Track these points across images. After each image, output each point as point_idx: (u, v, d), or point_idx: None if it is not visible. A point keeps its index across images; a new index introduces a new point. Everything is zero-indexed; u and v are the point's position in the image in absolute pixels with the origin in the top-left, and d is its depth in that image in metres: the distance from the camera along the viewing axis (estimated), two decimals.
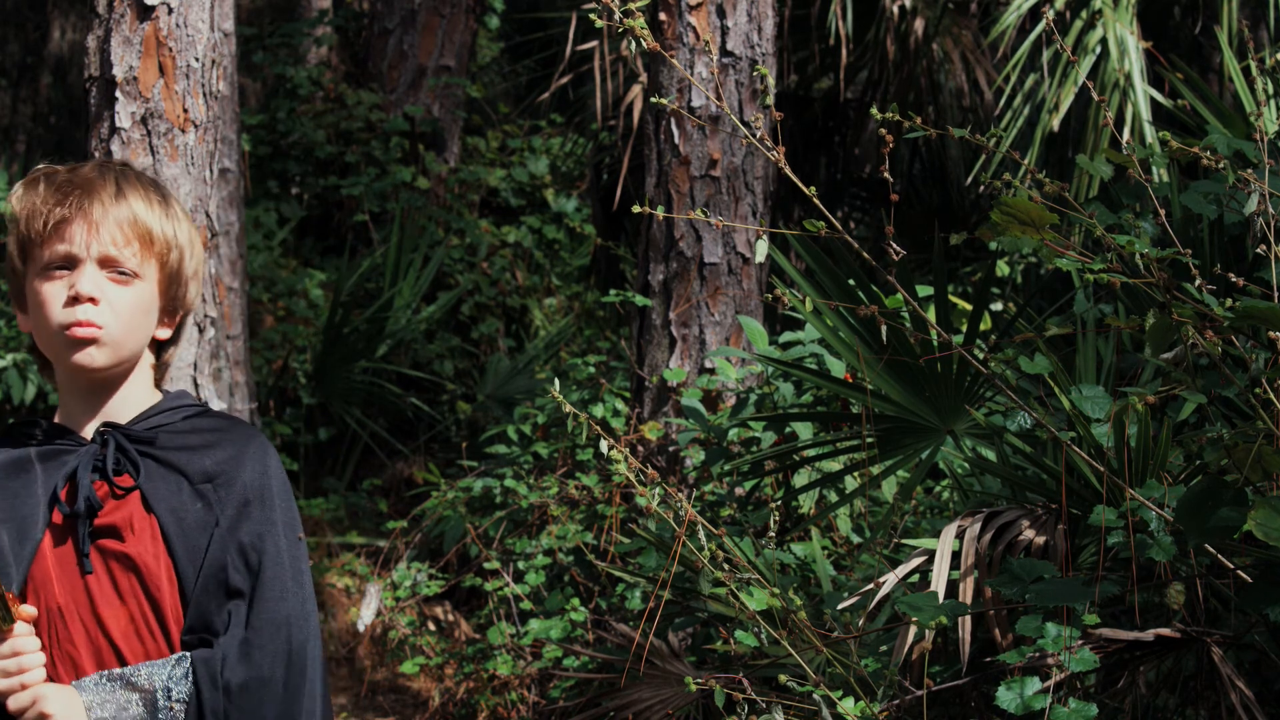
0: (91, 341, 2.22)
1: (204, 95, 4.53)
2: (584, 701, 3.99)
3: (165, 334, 2.34)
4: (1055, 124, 7.28)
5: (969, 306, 6.65)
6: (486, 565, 5.66)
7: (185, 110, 4.49)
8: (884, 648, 3.40)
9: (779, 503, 4.61)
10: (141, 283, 2.26)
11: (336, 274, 8.68)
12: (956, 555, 3.16)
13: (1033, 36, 7.38)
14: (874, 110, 2.76)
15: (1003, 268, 7.15)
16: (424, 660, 5.73)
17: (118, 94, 4.45)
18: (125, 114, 4.45)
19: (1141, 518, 2.73)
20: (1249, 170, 3.03)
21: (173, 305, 2.33)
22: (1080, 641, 2.63)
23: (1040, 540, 3.08)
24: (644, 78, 2.93)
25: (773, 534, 3.89)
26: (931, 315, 3.83)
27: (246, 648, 2.22)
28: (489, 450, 6.70)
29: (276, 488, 2.31)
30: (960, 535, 3.15)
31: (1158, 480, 2.86)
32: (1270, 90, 4.11)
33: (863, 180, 8.95)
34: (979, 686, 3.10)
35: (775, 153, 2.70)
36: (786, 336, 5.11)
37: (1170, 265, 2.86)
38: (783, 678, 2.82)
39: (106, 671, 2.20)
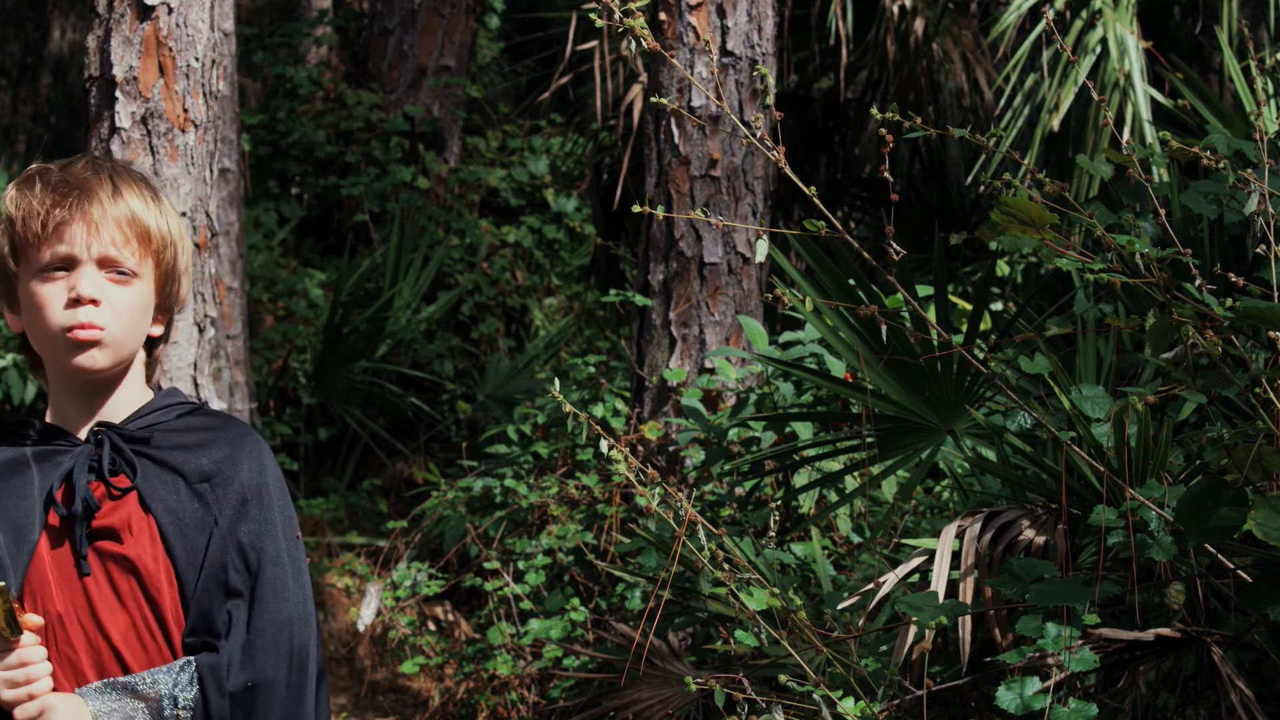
0: (94, 344, 2.20)
1: (204, 95, 4.53)
2: (584, 701, 3.99)
3: (158, 331, 2.33)
4: (1055, 124, 7.28)
5: (969, 306, 6.65)
6: (486, 565, 5.66)
7: (185, 110, 4.49)
8: (884, 648, 3.40)
9: (779, 503, 4.61)
10: (140, 282, 2.25)
11: (336, 274, 8.68)
12: (956, 555, 3.16)
13: (1033, 36, 7.38)
14: (874, 110, 2.76)
15: (1003, 268, 7.15)
16: (424, 660, 5.73)
17: (118, 94, 4.45)
18: (125, 114, 4.45)
19: (1141, 518, 2.73)
20: (1249, 170, 3.03)
21: (166, 302, 2.32)
22: (1080, 641, 2.63)
23: (1040, 540, 3.08)
24: (644, 78, 2.93)
25: (773, 534, 3.89)
26: (931, 315, 3.83)
27: (250, 650, 2.21)
28: (489, 450, 6.70)
29: (273, 486, 2.29)
30: (960, 535, 3.15)
31: (1158, 480, 2.86)
32: (1270, 90, 4.11)
33: (863, 180, 8.95)
34: (979, 686, 3.10)
35: (775, 153, 2.70)
36: (786, 336, 5.11)
37: (1170, 265, 2.86)
38: (783, 678, 2.82)
39: (111, 680, 2.18)
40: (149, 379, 2.35)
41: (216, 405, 4.73)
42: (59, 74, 13.83)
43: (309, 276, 8.69)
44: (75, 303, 2.20)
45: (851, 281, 3.92)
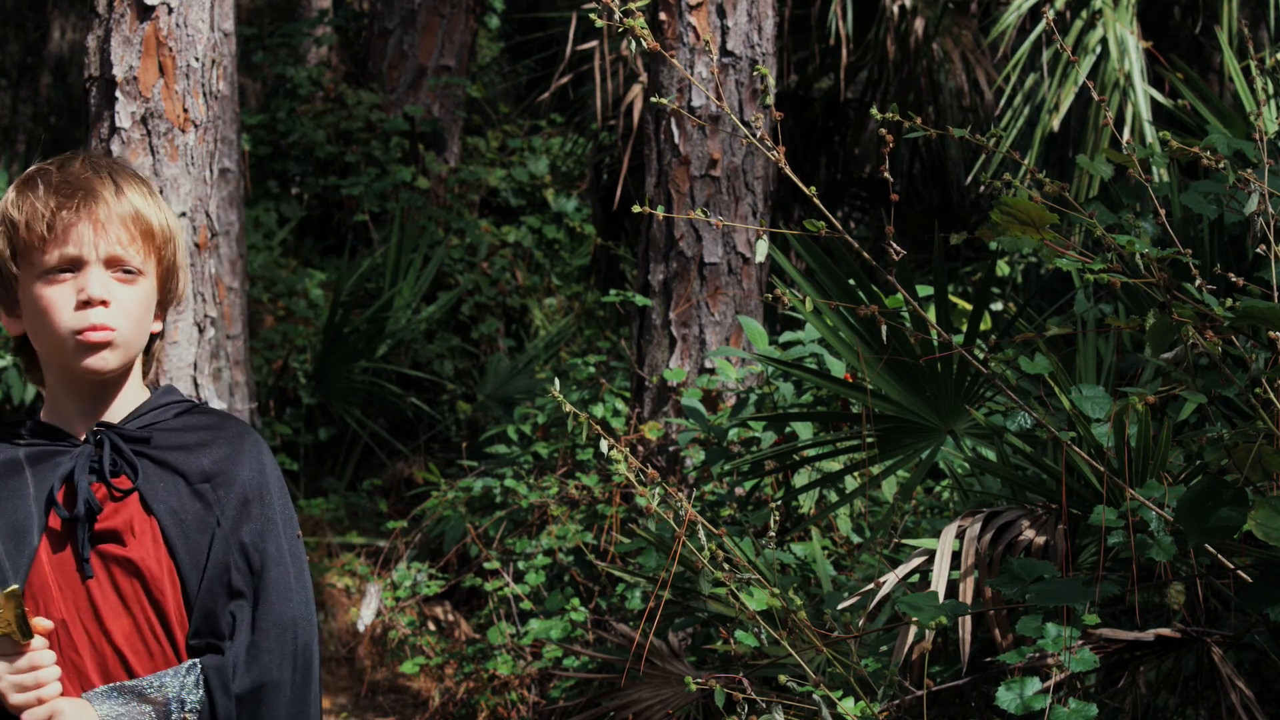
0: (105, 345, 2.19)
1: (204, 95, 4.53)
2: (584, 701, 3.99)
3: (158, 327, 2.32)
4: (1055, 124, 7.28)
5: (969, 306, 6.65)
6: (486, 565, 5.66)
7: (185, 110, 4.49)
8: (884, 648, 3.40)
9: (779, 503, 4.61)
10: (144, 279, 2.24)
11: (336, 274, 8.68)
12: (956, 555, 3.16)
13: (1033, 36, 7.38)
14: (874, 110, 2.76)
15: (1003, 268, 7.15)
16: (424, 660, 5.73)
17: (118, 94, 4.45)
18: (125, 114, 4.45)
19: (1141, 518, 2.73)
20: (1249, 170, 3.03)
21: (167, 298, 2.30)
22: (1080, 641, 2.63)
23: (1040, 540, 3.08)
24: (644, 78, 2.93)
25: (773, 534, 3.89)
26: (931, 315, 3.83)
27: (255, 652, 2.20)
28: (489, 450, 6.70)
29: (274, 485, 2.28)
30: (960, 535, 3.15)
31: (1158, 480, 2.86)
32: (1270, 90, 4.11)
33: (863, 180, 8.95)
34: (979, 686, 3.10)
35: (775, 153, 2.70)
36: (786, 336, 5.11)
37: (1170, 265, 2.86)
38: (783, 678, 2.82)
39: (118, 684, 2.17)
40: (145, 376, 2.34)
41: (216, 405, 4.73)
42: (59, 74, 13.83)
43: (309, 276, 8.69)
44: (85, 304, 2.18)
45: (851, 281, 3.92)
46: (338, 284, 7.93)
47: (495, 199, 9.92)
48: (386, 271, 8.33)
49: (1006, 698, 2.54)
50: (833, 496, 4.79)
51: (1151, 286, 2.62)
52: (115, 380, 2.26)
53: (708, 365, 5.63)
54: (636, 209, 2.77)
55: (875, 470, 3.88)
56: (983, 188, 8.26)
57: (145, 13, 4.44)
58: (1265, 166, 2.93)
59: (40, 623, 2.15)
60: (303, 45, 10.59)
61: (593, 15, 2.70)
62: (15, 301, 2.24)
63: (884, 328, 3.16)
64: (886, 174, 2.67)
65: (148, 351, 2.34)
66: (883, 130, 2.81)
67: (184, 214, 4.54)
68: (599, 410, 5.96)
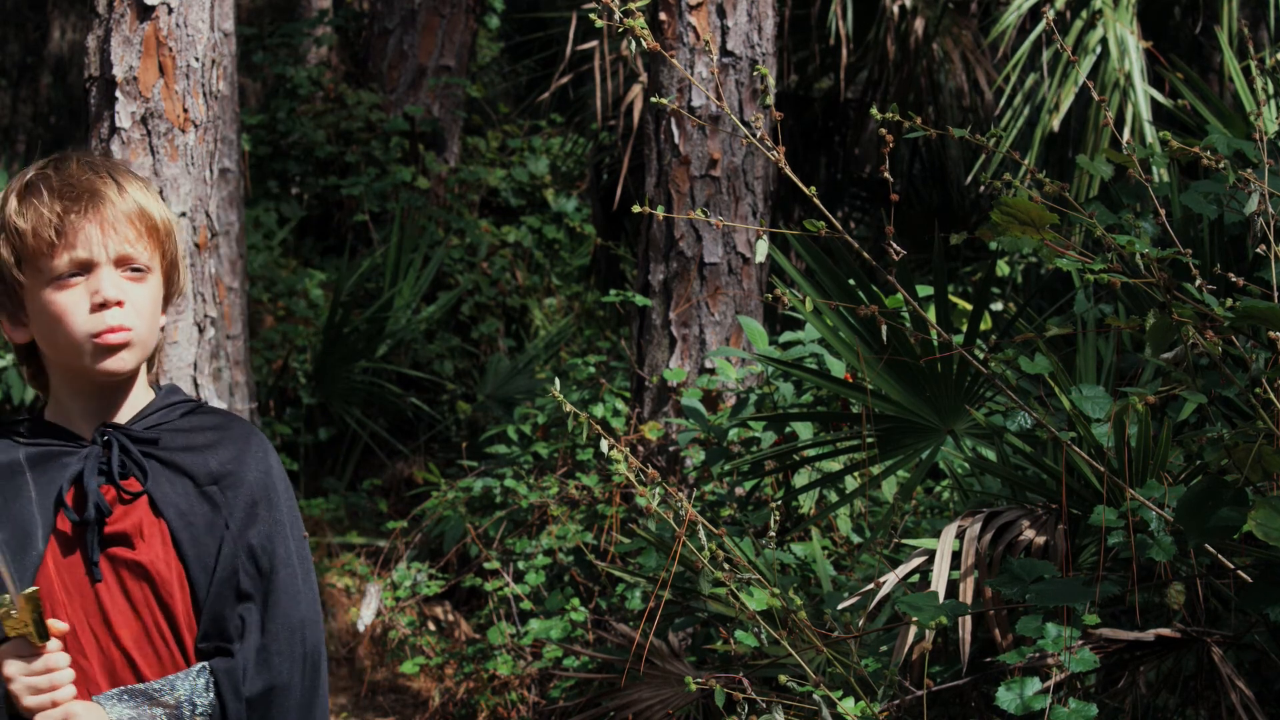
0: (124, 346, 2.17)
1: (204, 95, 4.53)
2: (584, 701, 3.99)
3: (162, 321, 2.31)
4: (1055, 124, 7.28)
5: (969, 306, 6.65)
6: (486, 565, 5.66)
7: (185, 110, 4.48)
8: (884, 648, 3.40)
9: (779, 503, 4.61)
10: (152, 275, 2.22)
11: (336, 274, 8.68)
12: (956, 555, 3.16)
13: (1033, 36, 7.38)
14: (874, 110, 2.76)
15: (1003, 268, 7.15)
16: (424, 660, 5.73)
17: (118, 94, 4.45)
18: (125, 114, 4.45)
19: (1142, 518, 2.73)
20: (1249, 170, 3.03)
21: (170, 291, 2.29)
22: (1080, 641, 2.63)
23: (1040, 540, 3.08)
24: (644, 78, 2.92)
25: (773, 534, 3.89)
26: (931, 315, 3.83)
27: (265, 655, 2.19)
28: (489, 450, 6.69)
29: (280, 486, 2.28)
30: (960, 535, 3.15)
31: (1158, 480, 2.86)
32: (1270, 90, 4.11)
33: (863, 180, 8.95)
34: (979, 687, 3.10)
35: (775, 153, 2.70)
36: (786, 336, 5.11)
37: (1170, 265, 2.86)
38: (783, 678, 2.82)
39: (129, 687, 2.16)
40: (150, 375, 2.32)
41: (216, 405, 4.72)
42: (59, 74, 13.83)
43: (309, 276, 8.69)
44: (101, 307, 2.16)
45: (851, 281, 3.92)
46: (338, 284, 7.93)
47: (495, 199, 9.92)
48: (386, 271, 8.33)
49: (1006, 698, 2.54)
50: (833, 496, 4.79)
51: (1151, 286, 2.62)
52: (126, 380, 2.24)
53: (708, 365, 5.63)
54: (636, 209, 2.77)
55: (875, 470, 3.88)
56: (983, 188, 8.26)
57: (145, 13, 4.44)
58: (1265, 166, 2.93)
59: (56, 625, 2.14)
60: (303, 45, 10.59)
61: (593, 15, 2.70)
62: (21, 309, 2.22)
63: (884, 328, 3.16)
64: (886, 174, 2.67)
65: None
66: (883, 130, 2.81)
67: (184, 214, 4.54)
68: (599, 410, 5.96)
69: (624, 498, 5.57)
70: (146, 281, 2.21)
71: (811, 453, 4.35)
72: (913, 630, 3.09)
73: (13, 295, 2.21)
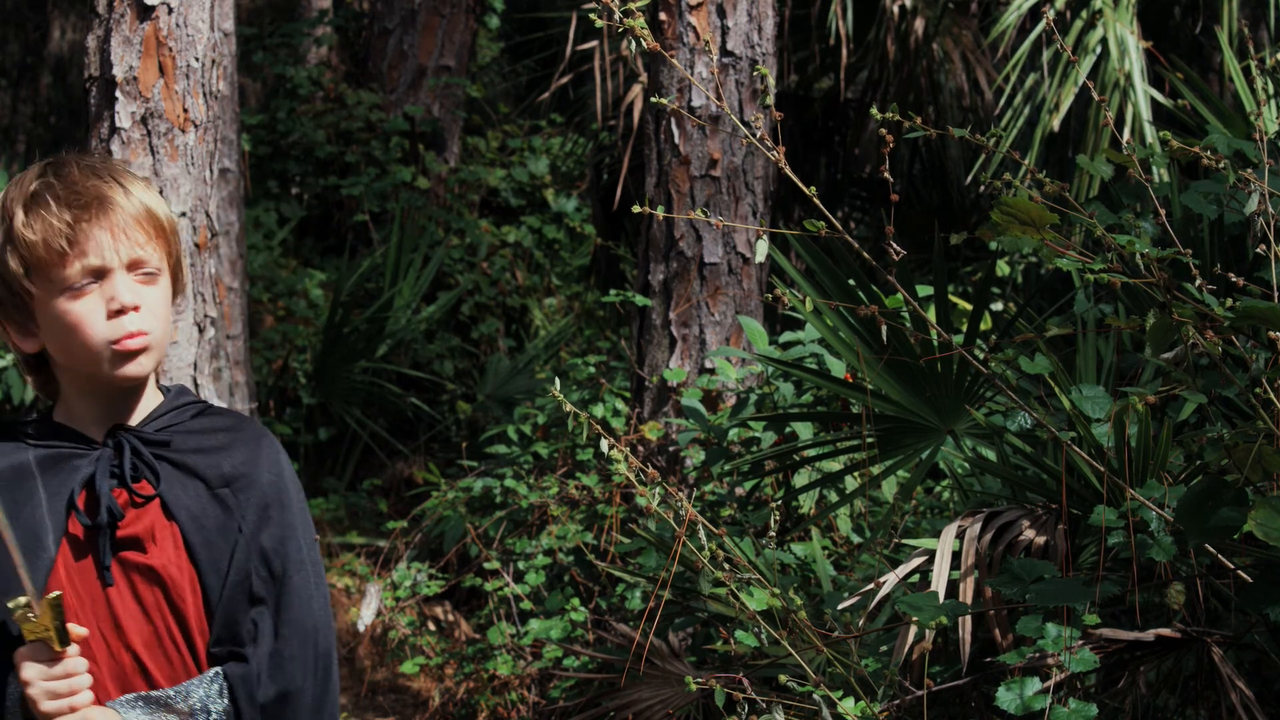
0: (142, 351, 2.16)
1: (204, 95, 4.53)
2: (584, 701, 3.99)
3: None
4: (1055, 124, 7.28)
5: (969, 306, 6.65)
6: (486, 565, 5.66)
7: (185, 110, 4.49)
8: (884, 648, 3.40)
9: (779, 503, 4.61)
10: (162, 276, 2.21)
11: (336, 274, 8.69)
12: (956, 555, 3.16)
13: (1033, 36, 7.38)
14: (874, 110, 2.76)
15: (1003, 268, 7.15)
16: (424, 660, 5.73)
17: (118, 94, 4.45)
18: (125, 114, 4.45)
19: (1142, 518, 2.73)
20: (1249, 170, 3.03)
21: (176, 289, 2.27)
22: (1080, 642, 2.63)
23: (1040, 540, 3.08)
24: (644, 78, 2.92)
25: (773, 534, 3.89)
26: (931, 315, 3.83)
27: (279, 660, 2.18)
28: (489, 450, 6.69)
29: (292, 488, 2.26)
30: (960, 535, 3.15)
31: (1158, 480, 2.86)
32: (1270, 90, 4.11)
33: (863, 180, 8.95)
34: (979, 687, 3.10)
35: (775, 153, 2.70)
36: (786, 336, 5.11)
37: (1170, 265, 2.86)
38: (783, 678, 2.82)
39: (144, 693, 2.15)
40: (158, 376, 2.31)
41: (216, 405, 4.71)
42: (59, 74, 13.83)
43: (309, 276, 8.69)
44: (118, 313, 2.14)
45: (851, 282, 3.92)
46: (338, 284, 7.93)
47: (495, 199, 9.92)
48: (386, 271, 8.33)
49: (1006, 698, 2.54)
50: (833, 496, 4.79)
51: (1151, 286, 2.62)
52: (143, 383, 2.23)
53: (708, 365, 5.63)
54: (636, 209, 2.77)
55: (875, 470, 3.88)
56: (983, 188, 8.26)
57: (145, 13, 4.44)
58: (1265, 166, 2.93)
59: (76, 630, 2.12)
60: (303, 45, 10.59)
61: (593, 15, 2.70)
62: (30, 319, 2.19)
63: (884, 328, 3.16)
64: (886, 174, 2.67)
65: None
66: (883, 130, 2.81)
67: (184, 214, 4.54)
68: (599, 410, 5.96)
69: (624, 498, 5.57)
70: (158, 283, 2.20)
71: (811, 453, 4.35)
72: (913, 630, 3.09)
73: (21, 306, 2.19)
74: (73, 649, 2.11)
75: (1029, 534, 3.11)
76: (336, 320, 7.75)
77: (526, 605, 5.48)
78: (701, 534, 2.77)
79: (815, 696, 2.79)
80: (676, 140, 5.65)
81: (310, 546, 2.25)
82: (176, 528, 2.18)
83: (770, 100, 2.83)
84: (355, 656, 6.14)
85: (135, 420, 2.23)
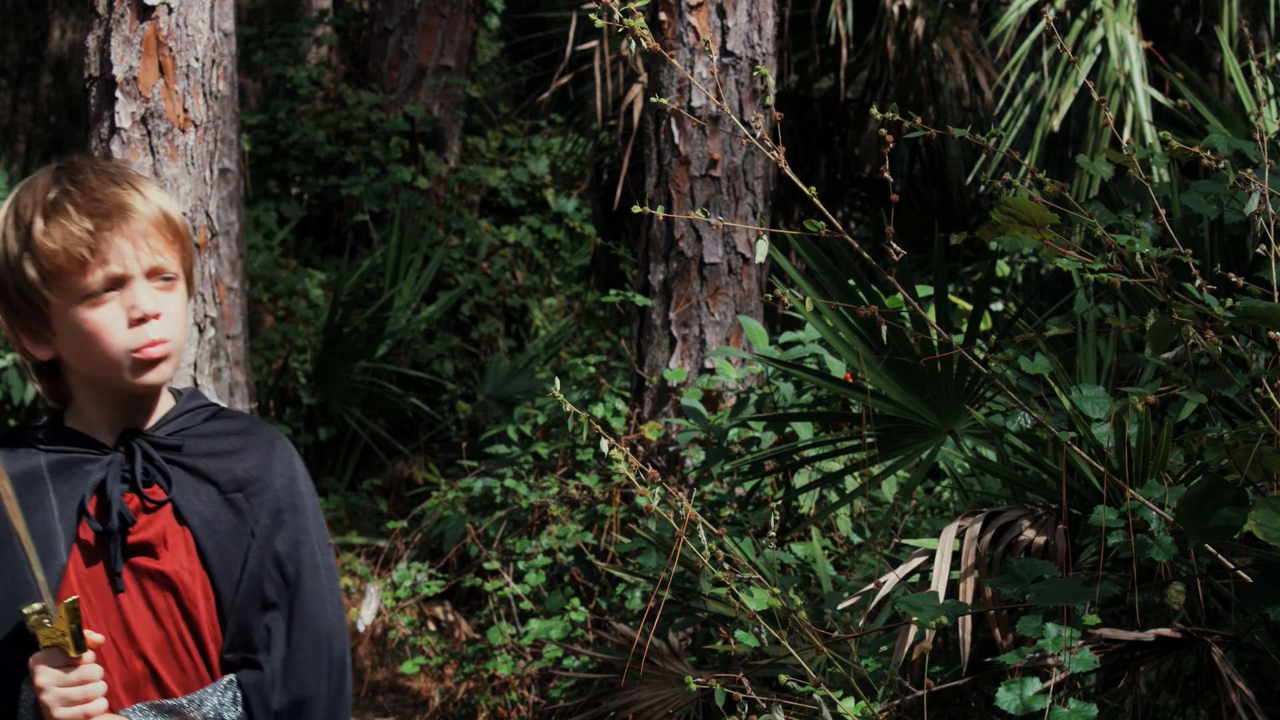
0: (164, 358, 2.14)
1: (204, 95, 4.53)
2: (584, 701, 3.99)
3: None
4: (1055, 124, 7.29)
5: (969, 306, 6.65)
6: (486, 565, 5.66)
7: (185, 110, 4.49)
8: (884, 648, 3.40)
9: (779, 503, 4.61)
10: (180, 282, 2.19)
11: (336, 274, 8.69)
12: (957, 555, 3.16)
13: (1033, 36, 7.38)
14: (874, 110, 2.76)
15: (1003, 268, 7.15)
16: (424, 660, 5.73)
17: (118, 94, 4.45)
18: (125, 114, 4.45)
19: (1142, 518, 2.73)
20: (1249, 170, 3.03)
21: (189, 293, 2.25)
22: (1080, 642, 2.63)
23: (1040, 540, 3.08)
24: (644, 78, 2.92)
25: (773, 534, 3.89)
26: (931, 315, 3.83)
27: (292, 666, 2.16)
28: (489, 450, 6.70)
29: (306, 492, 2.23)
30: (960, 535, 3.15)
31: (1158, 480, 2.86)
32: (1270, 90, 4.11)
33: (863, 180, 8.95)
34: (979, 687, 3.10)
35: (775, 153, 2.70)
36: (786, 336, 5.11)
37: (1170, 265, 2.86)
38: (783, 678, 2.82)
39: (158, 702, 2.13)
40: None
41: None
42: (59, 74, 13.84)
43: (309, 276, 8.69)
44: (140, 321, 2.12)
45: (851, 282, 3.92)
46: (338, 284, 7.93)
47: (495, 199, 9.92)
48: (386, 271, 8.33)
49: (1006, 698, 2.54)
50: (833, 496, 4.79)
51: (1151, 286, 2.62)
52: (158, 390, 2.21)
53: (708, 365, 5.63)
54: (636, 209, 2.77)
55: (875, 470, 3.88)
56: (983, 188, 8.26)
57: (145, 13, 4.44)
58: (1265, 166, 2.93)
59: (92, 637, 2.10)
60: (303, 45, 10.59)
61: (593, 15, 2.70)
62: (46, 327, 2.16)
63: (884, 328, 3.16)
64: (886, 174, 2.67)
65: None
66: (883, 130, 2.81)
67: (184, 214, 4.53)
68: (599, 410, 5.96)
69: (624, 498, 5.57)
70: (176, 289, 2.18)
71: (811, 453, 4.35)
72: (913, 630, 3.09)
73: (37, 314, 2.16)
74: (88, 655, 2.09)
75: (1029, 534, 3.11)
76: (336, 320, 7.75)
77: (526, 605, 5.48)
78: (701, 534, 2.77)
79: (815, 696, 2.79)
80: (676, 140, 5.65)
81: (324, 551, 2.23)
82: (189, 533, 2.16)
83: (770, 100, 2.83)
84: (355, 656, 6.15)
85: (147, 425, 2.21)
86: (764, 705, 2.79)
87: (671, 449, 5.50)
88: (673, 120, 5.64)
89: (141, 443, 2.18)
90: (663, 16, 5.66)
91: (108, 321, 2.12)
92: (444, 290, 8.87)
